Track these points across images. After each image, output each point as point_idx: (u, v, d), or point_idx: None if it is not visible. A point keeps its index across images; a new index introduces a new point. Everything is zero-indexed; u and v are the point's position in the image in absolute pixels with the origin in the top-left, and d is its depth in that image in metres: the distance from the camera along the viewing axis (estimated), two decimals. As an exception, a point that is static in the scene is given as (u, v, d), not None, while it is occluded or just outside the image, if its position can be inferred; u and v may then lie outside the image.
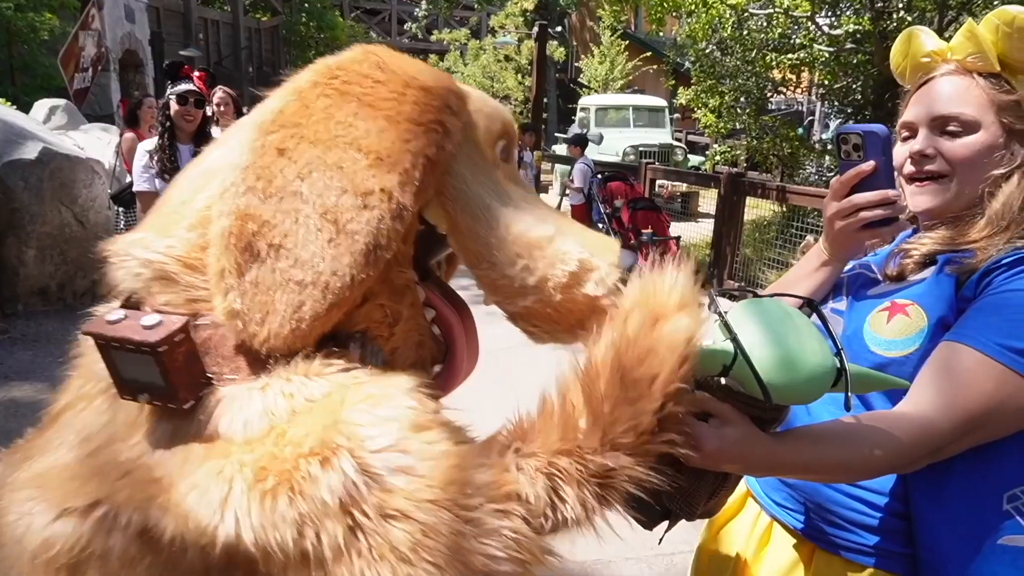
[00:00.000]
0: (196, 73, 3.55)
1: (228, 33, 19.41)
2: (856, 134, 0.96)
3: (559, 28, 21.02)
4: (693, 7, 7.20)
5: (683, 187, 10.47)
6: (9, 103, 6.58)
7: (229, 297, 0.70)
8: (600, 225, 6.52)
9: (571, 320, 0.81)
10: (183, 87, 3.39)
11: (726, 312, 0.79)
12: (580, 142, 7.59)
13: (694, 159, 12.20)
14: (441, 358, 0.87)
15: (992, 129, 0.99)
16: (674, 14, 7.88)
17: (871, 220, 0.97)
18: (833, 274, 1.08)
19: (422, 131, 0.76)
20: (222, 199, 0.73)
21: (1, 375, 3.73)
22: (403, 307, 0.80)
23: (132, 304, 0.74)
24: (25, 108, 6.46)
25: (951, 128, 1.00)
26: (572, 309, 0.80)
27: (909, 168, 1.03)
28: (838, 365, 0.77)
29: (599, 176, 6.80)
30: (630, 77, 18.01)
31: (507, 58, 17.91)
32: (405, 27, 28.68)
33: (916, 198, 1.03)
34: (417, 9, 27.17)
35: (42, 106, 6.52)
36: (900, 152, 1.03)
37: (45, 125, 5.72)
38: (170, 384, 0.68)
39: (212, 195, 0.75)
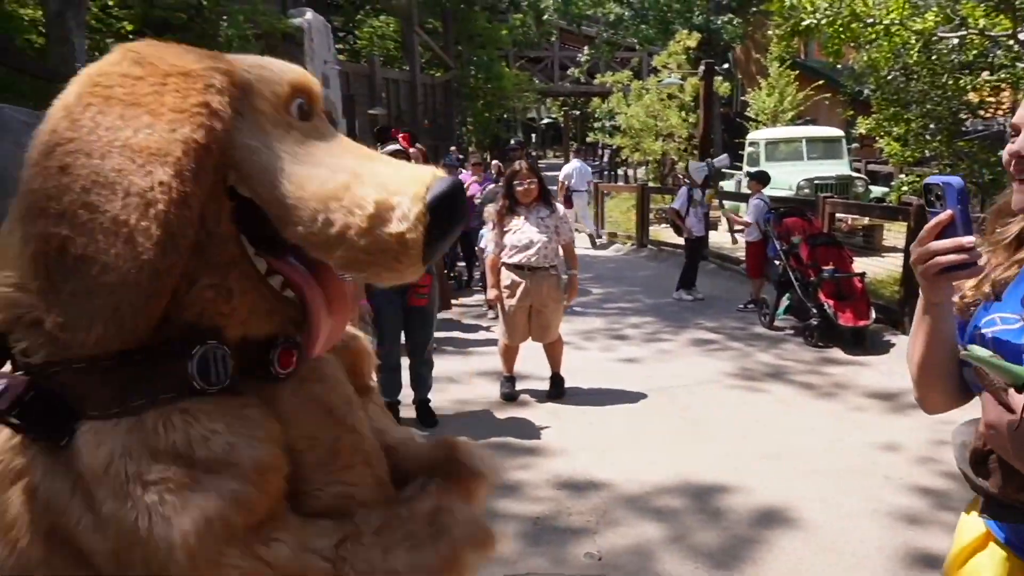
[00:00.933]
0: (401, 134, 4.02)
1: (407, 90, 21.09)
2: (937, 185, 1.00)
3: (725, 65, 20.71)
4: (874, 36, 6.88)
5: (865, 220, 9.87)
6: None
7: (54, 312, 0.76)
8: (776, 263, 6.35)
9: (389, 259, 0.81)
10: (391, 147, 3.85)
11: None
12: (760, 177, 7.48)
13: (876, 190, 11.43)
14: (302, 318, 0.88)
15: None
16: (851, 44, 7.57)
17: (946, 265, 1.00)
18: (940, 316, 1.10)
19: (186, 117, 0.78)
20: (23, 224, 0.77)
21: None
22: (232, 282, 0.83)
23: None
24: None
25: None
26: (384, 249, 0.80)
27: (1012, 168, 1.05)
28: None
29: (773, 212, 6.64)
30: (801, 108, 17.27)
31: (670, 96, 17.87)
32: (568, 72, 29.55)
33: (1016, 196, 1.07)
34: (579, 55, 27.96)
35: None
36: (1005, 152, 1.07)
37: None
38: (33, 433, 0.78)
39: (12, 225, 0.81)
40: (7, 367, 0.82)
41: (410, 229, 0.79)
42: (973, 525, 1.18)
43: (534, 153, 32.51)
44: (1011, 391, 0.95)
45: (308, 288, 0.87)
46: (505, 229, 4.38)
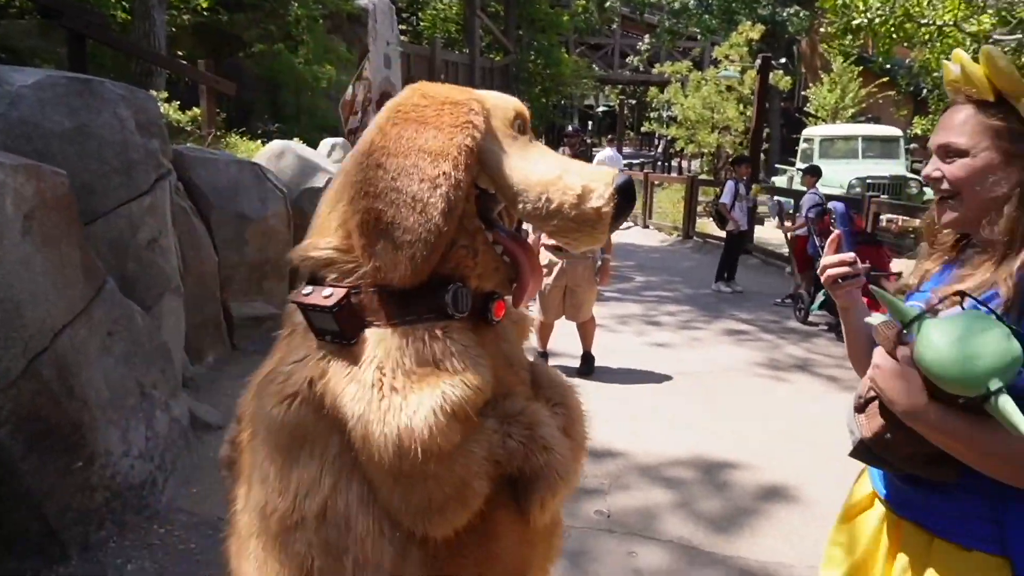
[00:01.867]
0: None
1: (466, 73, 21.34)
2: (830, 211, 1.30)
3: (782, 59, 20.30)
4: (927, 36, 6.81)
5: (916, 222, 9.75)
6: (299, 140, 8.06)
7: (373, 261, 1.11)
8: (817, 259, 6.43)
9: (589, 227, 1.16)
10: None
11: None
12: (814, 172, 7.55)
13: (931, 192, 11.24)
14: (515, 278, 1.23)
15: (985, 154, 1.12)
16: (905, 44, 7.47)
17: (834, 276, 1.26)
18: (851, 317, 1.33)
19: (459, 130, 1.13)
20: (352, 204, 1.13)
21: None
22: (478, 244, 1.18)
23: (315, 282, 1.18)
24: (312, 145, 7.86)
25: (949, 153, 1.17)
26: (587, 219, 1.15)
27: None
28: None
29: (816, 208, 6.70)
30: (863, 105, 16.90)
31: (729, 88, 17.68)
32: (627, 60, 29.35)
33: (940, 215, 1.22)
34: (640, 43, 27.74)
35: (325, 144, 7.87)
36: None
37: (328, 159, 6.96)
38: (342, 330, 1.11)
39: (340, 191, 1.19)
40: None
41: (605, 204, 1.14)
42: (864, 485, 1.36)
43: (588, 140, 32.44)
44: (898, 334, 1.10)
45: (520, 254, 1.22)
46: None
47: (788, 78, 18.77)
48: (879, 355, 1.10)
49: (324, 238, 1.20)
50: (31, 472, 2.34)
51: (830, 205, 6.76)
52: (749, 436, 3.85)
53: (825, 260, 1.27)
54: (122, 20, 10.21)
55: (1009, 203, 1.11)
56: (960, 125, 1.16)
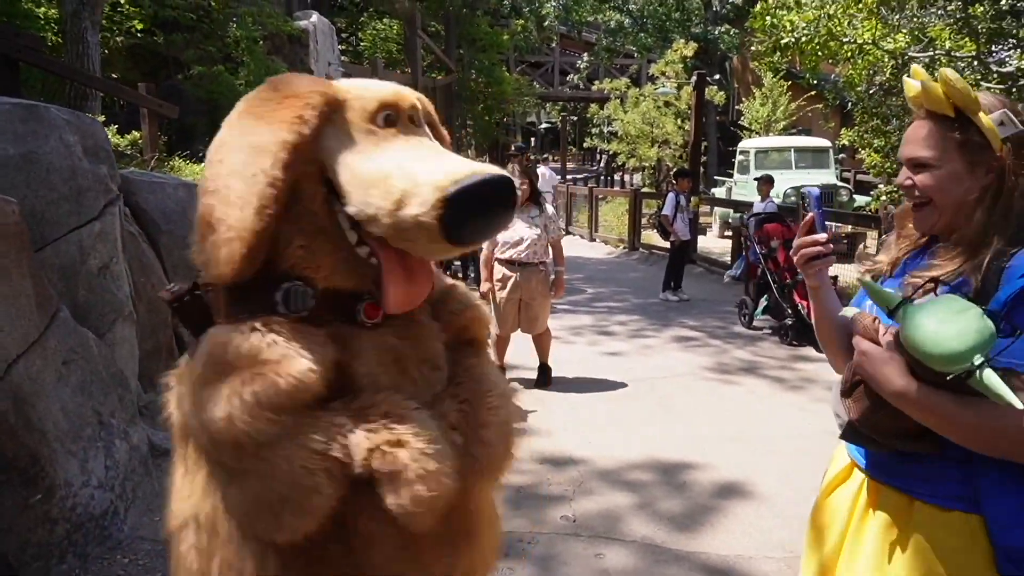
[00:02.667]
0: None
1: (408, 92, 21.39)
2: (805, 194, 1.34)
3: (716, 75, 21.05)
4: (849, 54, 7.23)
5: (848, 228, 10.23)
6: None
7: (201, 255, 1.10)
8: (758, 266, 6.69)
9: (412, 236, 1.03)
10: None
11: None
12: (768, 181, 7.99)
13: (861, 199, 11.81)
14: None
15: (951, 165, 1.23)
16: (830, 61, 7.91)
17: (809, 256, 1.34)
18: (821, 296, 1.40)
19: (285, 126, 1.05)
20: (199, 199, 1.11)
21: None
22: (320, 244, 1.09)
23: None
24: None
25: (917, 165, 1.27)
26: (405, 228, 1.02)
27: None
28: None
29: (754, 218, 6.98)
30: (793, 118, 17.64)
31: (667, 104, 18.22)
32: (567, 78, 29.89)
33: (915, 221, 1.32)
34: (579, 61, 28.31)
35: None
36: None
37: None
38: (186, 325, 1.14)
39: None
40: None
41: (424, 214, 1.00)
42: (841, 458, 1.45)
43: (533, 157, 32.84)
44: (879, 325, 1.20)
45: (384, 258, 1.10)
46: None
47: (722, 93, 19.47)
48: (863, 343, 1.19)
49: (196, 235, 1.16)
50: (-11, 507, 2.28)
51: (804, 190, 7.10)
52: (703, 437, 4.00)
53: (798, 241, 1.35)
54: (52, 43, 9.93)
55: (979, 208, 1.22)
56: (924, 139, 1.26)
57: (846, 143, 9.53)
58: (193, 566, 1.14)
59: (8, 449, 2.34)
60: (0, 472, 2.32)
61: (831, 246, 1.34)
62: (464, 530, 1.20)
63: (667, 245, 8.69)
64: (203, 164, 4.98)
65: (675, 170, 9.00)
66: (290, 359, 1.02)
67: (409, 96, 1.18)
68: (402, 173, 1.04)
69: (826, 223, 1.33)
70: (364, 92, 1.14)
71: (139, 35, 12.43)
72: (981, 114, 1.20)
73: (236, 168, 1.06)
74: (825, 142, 13.19)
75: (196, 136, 11.99)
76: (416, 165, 1.06)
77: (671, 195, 8.30)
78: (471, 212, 1.03)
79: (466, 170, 1.04)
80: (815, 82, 10.06)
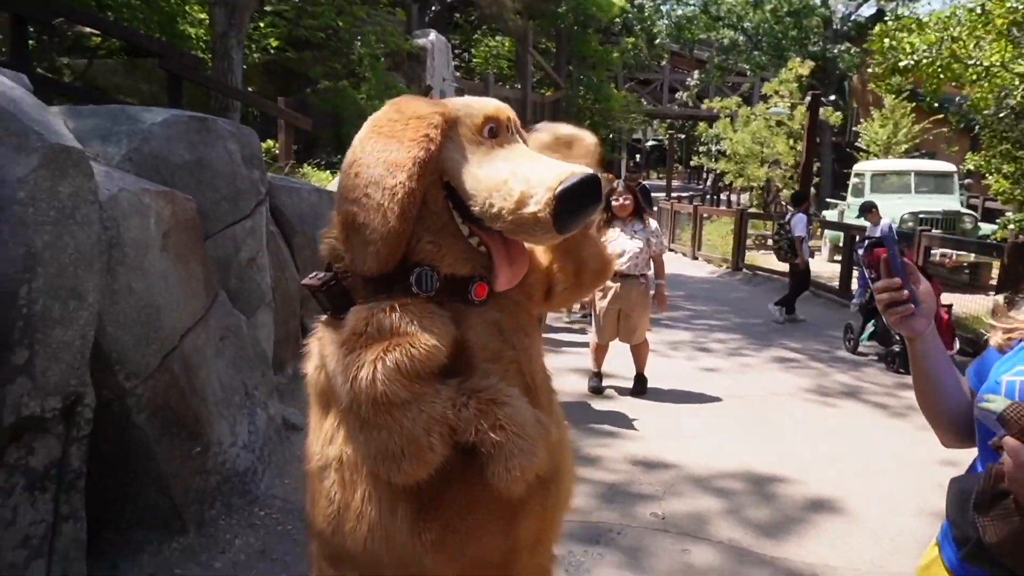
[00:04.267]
0: None
1: (517, 108, 21.73)
2: (878, 239, 1.18)
3: (832, 96, 20.34)
4: (975, 76, 6.94)
5: (971, 257, 9.73)
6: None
7: (348, 254, 1.32)
8: (865, 290, 6.56)
9: (530, 229, 1.25)
10: None
11: None
12: (869, 208, 7.82)
13: (987, 228, 11.16)
14: (490, 265, 1.36)
15: None
16: (953, 84, 7.60)
17: (886, 302, 1.15)
18: (919, 352, 1.19)
19: (416, 144, 1.27)
20: (337, 206, 1.34)
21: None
22: (442, 239, 1.33)
23: (329, 269, 1.38)
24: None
25: None
26: (525, 222, 1.24)
27: None
28: None
29: (866, 241, 6.81)
30: (916, 141, 16.81)
31: (779, 123, 17.83)
32: (676, 95, 29.67)
33: None
34: (689, 79, 28.06)
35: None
36: None
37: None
38: (331, 306, 1.35)
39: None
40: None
41: (540, 210, 1.23)
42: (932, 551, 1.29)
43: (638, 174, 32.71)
44: None
45: (493, 246, 1.35)
46: (602, 239, 4.92)
47: (839, 113, 18.82)
48: (1020, 452, 0.95)
49: (332, 232, 1.41)
50: (162, 454, 2.70)
51: (882, 224, 7.00)
52: (797, 454, 4.03)
53: (876, 285, 1.17)
54: (202, 58, 10.96)
55: None
56: None
57: (971, 168, 9.10)
58: (336, 497, 1.39)
59: (178, 406, 2.77)
60: (171, 425, 2.74)
61: (905, 292, 1.14)
62: (546, 492, 1.42)
63: (781, 267, 8.56)
64: (328, 171, 5.58)
65: (794, 193, 8.84)
66: (422, 334, 1.25)
67: (506, 110, 1.41)
68: (517, 177, 1.27)
69: (904, 262, 1.16)
70: (471, 109, 1.37)
71: (273, 52, 13.51)
72: None
73: (374, 180, 1.28)
74: (949, 166, 12.54)
75: (320, 145, 12.88)
76: (527, 170, 1.28)
77: (801, 216, 8.00)
78: (574, 206, 1.25)
79: (567, 171, 1.27)
80: (936, 104, 9.67)
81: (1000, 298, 1.17)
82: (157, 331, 2.69)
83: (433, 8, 20.19)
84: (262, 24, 12.67)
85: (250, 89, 12.76)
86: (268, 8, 12.44)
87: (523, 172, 1.27)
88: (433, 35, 16.43)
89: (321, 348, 1.41)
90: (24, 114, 2.12)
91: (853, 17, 24.18)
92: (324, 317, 1.43)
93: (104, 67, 11.14)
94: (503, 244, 1.35)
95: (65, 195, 2.15)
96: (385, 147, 1.30)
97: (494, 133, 1.36)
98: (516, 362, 1.42)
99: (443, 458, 1.27)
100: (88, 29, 9.15)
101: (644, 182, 13.39)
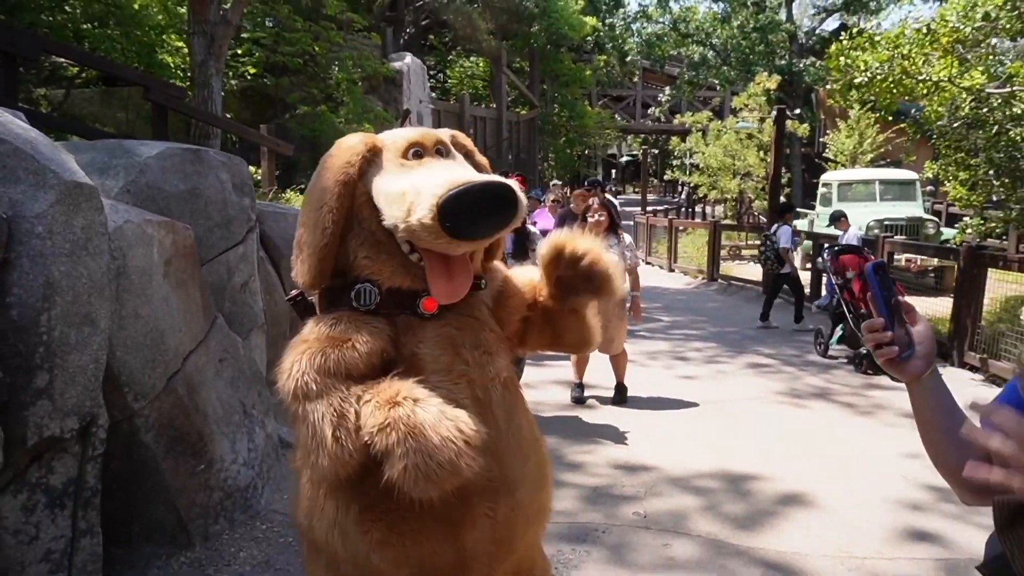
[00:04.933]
0: (517, 178, 4.83)
1: (493, 127, 22.24)
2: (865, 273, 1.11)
3: (800, 108, 20.92)
4: (925, 90, 7.32)
5: (935, 262, 10.10)
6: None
7: (297, 267, 1.47)
8: (833, 296, 6.84)
9: (424, 236, 1.33)
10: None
11: None
12: (838, 217, 8.11)
13: (949, 232, 11.58)
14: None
15: None
16: (906, 98, 7.99)
17: (872, 345, 1.07)
18: (915, 396, 1.08)
19: (339, 170, 1.43)
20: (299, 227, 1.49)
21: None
22: (380, 255, 1.43)
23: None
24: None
25: None
26: (416, 230, 1.33)
27: None
28: None
29: (833, 248, 7.10)
30: (881, 150, 17.35)
31: (749, 136, 18.31)
32: (649, 111, 30.24)
33: None
34: (661, 94, 28.64)
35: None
36: None
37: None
38: (300, 317, 1.52)
39: None
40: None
41: (423, 217, 1.31)
42: None
43: (613, 189, 33.22)
44: None
45: (427, 260, 1.42)
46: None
47: (806, 125, 19.36)
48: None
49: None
50: (169, 471, 2.84)
51: (846, 237, 7.29)
52: (770, 452, 4.24)
53: (864, 325, 1.10)
54: (185, 89, 11.11)
55: None
56: None
57: (929, 175, 9.49)
58: (308, 494, 1.51)
59: (183, 425, 2.91)
60: (176, 443, 2.88)
61: (889, 334, 1.05)
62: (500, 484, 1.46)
63: (755, 277, 8.76)
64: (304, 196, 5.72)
65: (781, 204, 9.16)
66: (346, 338, 1.37)
67: (435, 134, 1.55)
68: (412, 188, 1.36)
69: (898, 301, 1.08)
70: (397, 137, 1.52)
71: (250, 78, 13.65)
72: None
73: (311, 204, 1.47)
74: (911, 174, 12.99)
75: (299, 170, 13.02)
76: (424, 181, 1.37)
77: (786, 228, 8.30)
78: (468, 212, 1.31)
79: (463, 179, 1.34)
80: (890, 118, 10.07)
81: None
82: (162, 354, 2.84)
83: (407, 31, 20.46)
84: (239, 51, 12.83)
85: (228, 115, 12.90)
86: (245, 35, 12.60)
87: (419, 183, 1.36)
88: (409, 58, 16.69)
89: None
90: (40, 154, 2.29)
91: (818, 32, 24.92)
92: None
93: (80, 97, 11.24)
94: (440, 259, 1.41)
95: (79, 228, 2.32)
96: (322, 176, 1.48)
97: (419, 155, 1.48)
98: (467, 376, 1.45)
99: (359, 458, 1.29)
100: (63, 60, 9.24)
101: (609, 196, 13.67)
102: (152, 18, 11.31)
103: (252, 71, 13.36)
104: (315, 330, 1.42)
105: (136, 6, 10.87)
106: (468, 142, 1.68)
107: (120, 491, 2.72)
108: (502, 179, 1.40)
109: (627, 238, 5.35)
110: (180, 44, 12.15)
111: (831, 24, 25.51)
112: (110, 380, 2.56)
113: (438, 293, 1.42)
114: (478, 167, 1.60)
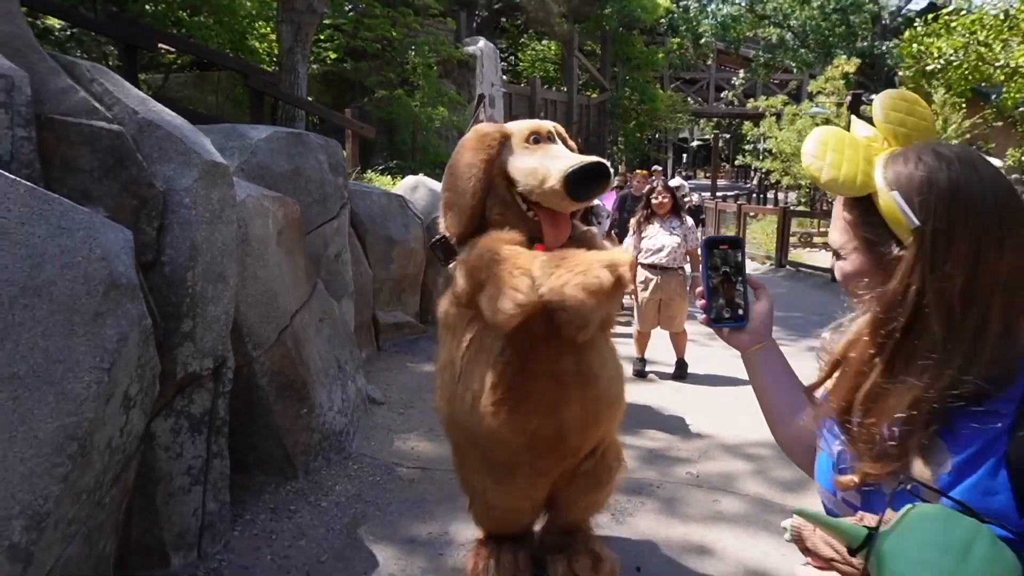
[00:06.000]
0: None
1: (564, 110, 22.37)
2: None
3: (876, 94, 20.21)
4: (1003, 77, 7.16)
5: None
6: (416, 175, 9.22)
7: (445, 223, 2.17)
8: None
9: (550, 199, 1.97)
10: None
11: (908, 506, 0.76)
12: None
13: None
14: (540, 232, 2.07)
15: (854, 256, 0.93)
16: (983, 85, 7.81)
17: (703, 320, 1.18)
18: (749, 367, 1.20)
19: (483, 150, 2.08)
20: (442, 193, 2.20)
21: (425, 357, 5.64)
22: (508, 212, 2.07)
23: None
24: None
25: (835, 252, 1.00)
26: (549, 196, 1.97)
27: None
28: None
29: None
30: (967, 136, 16.68)
31: (827, 121, 17.89)
32: (722, 95, 29.71)
33: None
34: (735, 77, 28.10)
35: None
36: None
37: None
38: (443, 257, 2.18)
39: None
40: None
41: (555, 185, 1.96)
42: None
43: (684, 173, 32.84)
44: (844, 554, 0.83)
45: (541, 215, 2.09)
46: (643, 235, 5.40)
47: (887, 110, 18.71)
48: None
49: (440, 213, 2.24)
50: (279, 412, 3.30)
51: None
52: (823, 429, 4.43)
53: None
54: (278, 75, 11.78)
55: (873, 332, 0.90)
56: (833, 219, 0.99)
57: (1011, 163, 9.23)
58: (448, 384, 2.17)
59: (291, 374, 3.36)
60: (285, 389, 3.33)
61: (702, 302, 1.17)
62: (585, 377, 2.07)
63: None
64: (388, 176, 6.44)
65: None
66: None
67: (545, 125, 2.19)
68: (542, 165, 2.01)
69: (720, 273, 1.15)
70: (520, 127, 2.18)
71: (331, 63, 14.26)
72: (878, 189, 0.88)
73: (459, 175, 2.11)
74: (993, 161, 12.55)
75: (376, 152, 13.57)
76: (549, 162, 2.02)
77: None
78: (582, 182, 1.94)
79: (576, 161, 1.98)
80: (963, 106, 9.79)
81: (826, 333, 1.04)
82: (275, 311, 3.29)
83: (480, 14, 20.78)
84: (321, 36, 13.43)
85: (310, 99, 13.57)
86: (327, 22, 13.17)
87: (547, 162, 2.01)
88: (482, 42, 17.00)
89: (447, 298, 2.22)
90: (186, 137, 2.73)
91: (904, 11, 23.95)
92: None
93: (176, 81, 12.07)
94: (551, 215, 2.07)
95: (216, 200, 2.75)
96: (464, 154, 2.15)
97: (537, 140, 2.13)
98: None
99: (528, 307, 1.78)
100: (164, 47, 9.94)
101: (682, 180, 13.72)
102: (243, 6, 11.98)
103: (333, 56, 13.97)
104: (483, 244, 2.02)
105: (229, -5, 11.53)
106: (564, 132, 2.29)
107: (239, 427, 3.19)
108: (600, 159, 1.99)
109: (689, 220, 5.57)
110: (267, 31, 12.84)
111: (919, 3, 24.47)
112: (234, 330, 3.01)
113: (548, 239, 2.03)
114: (572, 151, 2.19)
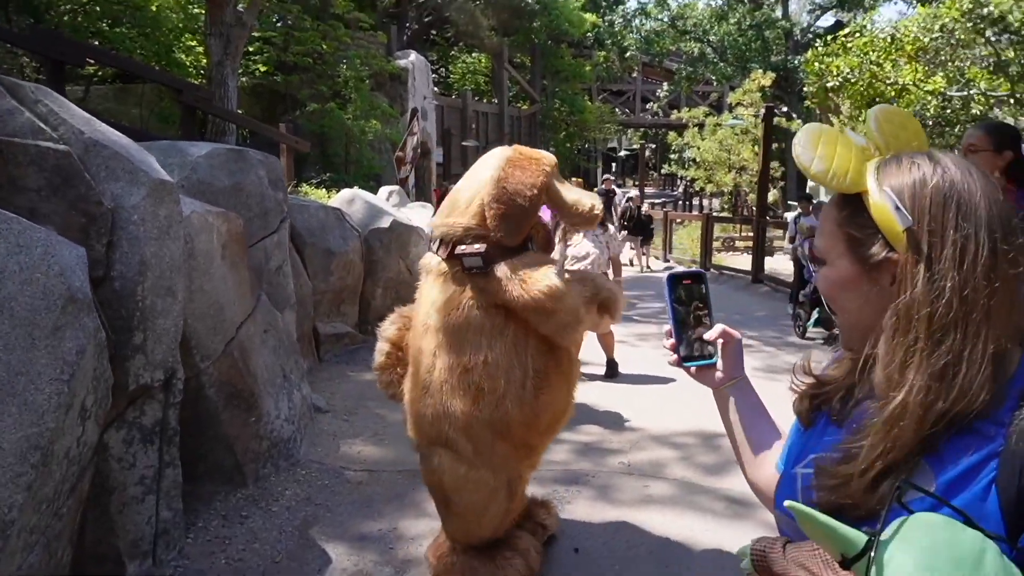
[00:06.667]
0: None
1: (495, 122, 22.74)
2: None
3: (794, 104, 21.38)
4: (893, 93, 7.86)
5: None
6: (353, 187, 9.31)
7: (498, 232, 2.36)
8: (811, 283, 7.38)
9: (588, 221, 2.54)
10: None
11: (901, 519, 0.71)
12: (808, 199, 8.58)
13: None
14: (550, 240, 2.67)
15: (839, 262, 0.89)
16: (876, 100, 8.52)
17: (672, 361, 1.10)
18: (720, 403, 1.15)
19: (542, 173, 2.45)
20: (489, 205, 2.38)
21: (365, 367, 5.75)
22: (539, 227, 2.57)
23: (443, 243, 2.46)
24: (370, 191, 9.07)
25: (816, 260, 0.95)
26: (588, 218, 2.52)
27: None
28: None
29: (808, 240, 7.67)
30: (872, 144, 17.84)
31: (744, 131, 18.80)
32: (648, 106, 30.71)
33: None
34: (660, 89, 29.11)
35: (384, 191, 9.10)
36: None
37: (388, 203, 8.13)
38: (485, 264, 2.37)
39: (472, 197, 2.45)
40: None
41: (593, 208, 2.52)
42: None
43: (616, 181, 33.61)
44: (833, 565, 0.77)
45: (545, 230, 2.68)
46: (568, 243, 5.68)
47: (799, 120, 19.82)
48: None
49: (462, 219, 2.42)
50: (227, 422, 3.40)
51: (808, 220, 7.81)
52: (743, 419, 4.78)
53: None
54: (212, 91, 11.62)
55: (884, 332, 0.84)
56: (820, 223, 0.95)
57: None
58: (483, 385, 2.38)
59: (237, 384, 3.46)
60: (233, 399, 3.43)
61: (670, 341, 1.13)
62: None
63: (745, 266, 9.27)
64: (323, 188, 6.64)
65: (801, 195, 9.70)
66: (548, 261, 2.49)
67: (554, 159, 2.62)
68: (583, 196, 2.54)
69: (686, 309, 1.12)
70: (552, 159, 2.57)
71: (261, 76, 14.15)
72: (870, 190, 0.85)
73: (519, 191, 2.36)
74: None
75: (309, 164, 13.52)
76: (583, 193, 2.57)
77: (812, 219, 8.66)
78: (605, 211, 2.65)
79: (593, 196, 2.58)
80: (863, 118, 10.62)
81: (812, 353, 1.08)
82: (221, 323, 3.39)
83: (410, 27, 20.94)
84: (251, 49, 13.32)
85: (239, 111, 13.42)
86: (256, 35, 13.09)
87: (581, 194, 2.56)
88: (413, 55, 17.16)
89: (479, 292, 2.43)
90: (133, 156, 2.82)
91: (813, 28, 25.37)
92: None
93: (97, 93, 11.78)
94: (548, 231, 2.69)
95: (163, 217, 2.85)
96: (523, 173, 2.42)
97: (566, 177, 2.82)
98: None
99: (588, 325, 2.52)
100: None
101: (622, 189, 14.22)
102: (169, 19, 11.80)
103: (263, 69, 13.87)
104: (519, 264, 2.38)
105: (154, 7, 11.36)
106: None
107: (189, 437, 3.27)
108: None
109: (611, 228, 5.88)
110: (194, 43, 12.66)
111: (827, 20, 25.97)
112: (183, 343, 3.11)
113: (548, 247, 2.67)
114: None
